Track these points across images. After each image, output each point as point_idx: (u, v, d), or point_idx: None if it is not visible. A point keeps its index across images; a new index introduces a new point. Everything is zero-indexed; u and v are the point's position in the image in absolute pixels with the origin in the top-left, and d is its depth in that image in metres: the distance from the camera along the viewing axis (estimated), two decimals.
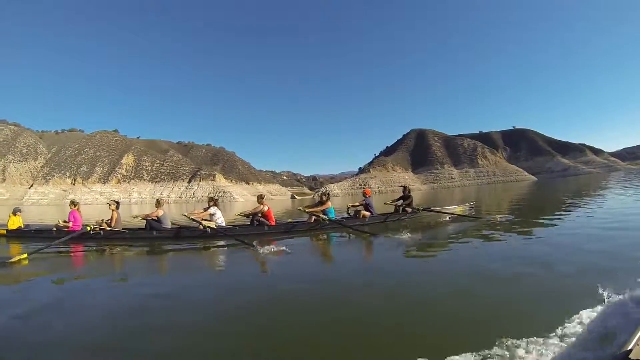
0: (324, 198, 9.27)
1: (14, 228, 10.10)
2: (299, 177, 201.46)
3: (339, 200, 52.50)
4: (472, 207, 11.55)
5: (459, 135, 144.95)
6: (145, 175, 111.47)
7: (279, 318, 3.18)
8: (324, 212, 9.01)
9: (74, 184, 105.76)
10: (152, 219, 8.90)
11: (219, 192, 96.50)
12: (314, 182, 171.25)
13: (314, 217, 8.91)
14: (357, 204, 10.35)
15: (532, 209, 14.26)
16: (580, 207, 12.22)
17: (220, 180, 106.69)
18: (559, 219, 9.22)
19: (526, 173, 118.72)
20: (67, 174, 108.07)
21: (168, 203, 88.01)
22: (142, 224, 9.27)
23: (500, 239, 6.66)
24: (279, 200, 79.48)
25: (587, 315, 2.58)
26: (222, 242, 7.79)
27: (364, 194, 10.48)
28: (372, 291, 3.87)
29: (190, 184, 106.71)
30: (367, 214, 9.74)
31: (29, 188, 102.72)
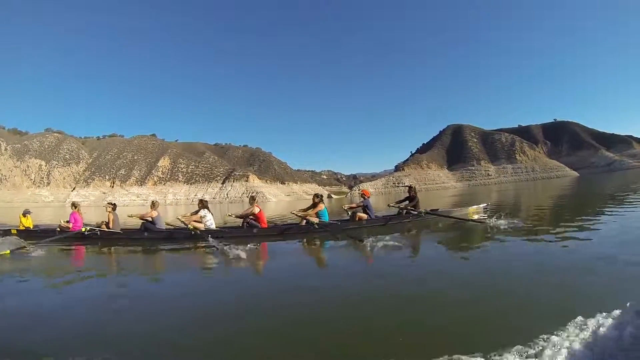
0: (316, 200, 9.27)
1: (23, 228, 10.85)
2: (339, 177, 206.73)
3: (372, 199, 52.82)
4: (486, 209, 10.78)
5: (497, 129, 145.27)
6: (181, 177, 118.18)
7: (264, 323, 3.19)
8: (317, 214, 9.01)
9: (112, 187, 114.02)
10: (147, 220, 9.34)
11: (252, 193, 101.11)
12: (353, 181, 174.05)
13: (304, 220, 8.94)
14: (354, 205, 10.19)
15: (568, 210, 13.40)
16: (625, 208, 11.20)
17: (254, 181, 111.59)
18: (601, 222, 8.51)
19: (567, 169, 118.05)
20: (107, 177, 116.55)
21: None
22: (138, 223, 9.77)
23: (512, 242, 6.58)
24: None
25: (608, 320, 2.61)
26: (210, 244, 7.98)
27: (362, 195, 10.28)
28: (361, 296, 3.93)
29: (224, 184, 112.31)
30: (364, 216, 9.56)
31: (72, 191, 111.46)
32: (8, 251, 7.02)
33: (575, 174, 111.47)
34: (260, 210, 9.23)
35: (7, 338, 3.07)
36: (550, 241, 6.44)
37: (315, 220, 8.79)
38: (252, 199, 9.47)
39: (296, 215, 9.26)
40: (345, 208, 10.22)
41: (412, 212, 9.91)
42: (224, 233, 8.74)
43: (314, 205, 9.18)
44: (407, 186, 11.16)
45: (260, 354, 2.68)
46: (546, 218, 10.92)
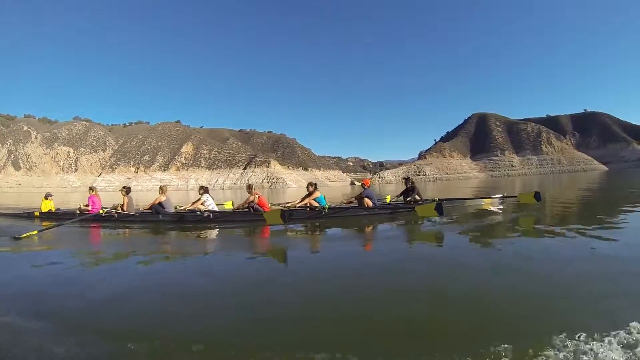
0: (311, 188, 9.49)
1: (46, 211, 11.58)
2: (365, 164, 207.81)
3: (392, 187, 51.48)
4: (503, 200, 10.64)
5: (524, 119, 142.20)
6: (203, 162, 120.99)
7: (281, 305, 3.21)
8: (315, 201, 9.28)
9: (137, 172, 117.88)
10: (156, 205, 9.86)
11: (272, 179, 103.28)
12: (379, 168, 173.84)
13: (308, 207, 9.18)
14: (353, 199, 10.22)
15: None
16: None
17: (275, 167, 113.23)
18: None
19: (596, 162, 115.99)
20: (131, 162, 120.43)
21: (223, 189, 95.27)
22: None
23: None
24: (336, 187, 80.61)
25: None
26: (219, 226, 8.58)
27: (363, 185, 10.22)
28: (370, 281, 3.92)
29: (245, 170, 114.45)
30: (370, 202, 9.64)
31: (98, 176, 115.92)
32: (36, 231, 7.63)
33: (604, 167, 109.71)
34: (260, 197, 9.42)
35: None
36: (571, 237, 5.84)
37: (318, 205, 9.11)
38: (249, 187, 9.85)
39: (297, 205, 9.46)
40: (344, 202, 10.53)
41: (419, 202, 9.88)
42: (233, 216, 9.40)
43: (309, 194, 9.44)
44: (404, 178, 11.25)
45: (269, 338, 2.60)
46: (573, 214, 9.97)
